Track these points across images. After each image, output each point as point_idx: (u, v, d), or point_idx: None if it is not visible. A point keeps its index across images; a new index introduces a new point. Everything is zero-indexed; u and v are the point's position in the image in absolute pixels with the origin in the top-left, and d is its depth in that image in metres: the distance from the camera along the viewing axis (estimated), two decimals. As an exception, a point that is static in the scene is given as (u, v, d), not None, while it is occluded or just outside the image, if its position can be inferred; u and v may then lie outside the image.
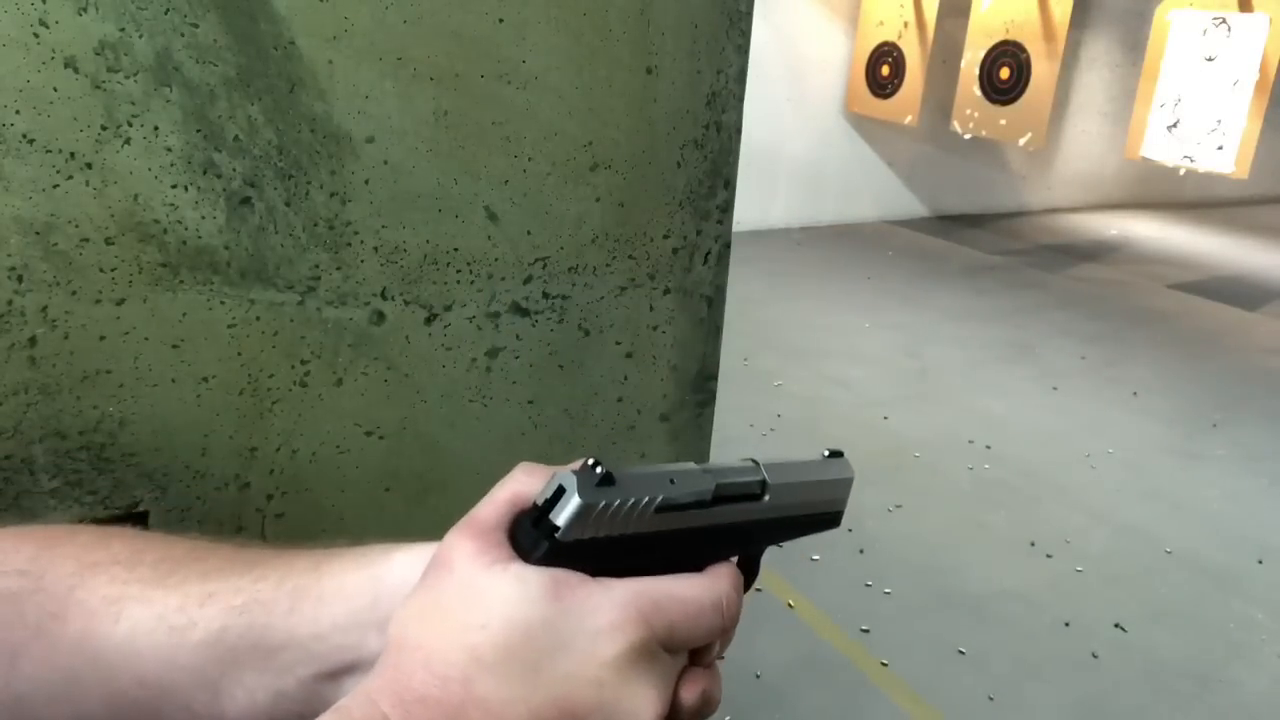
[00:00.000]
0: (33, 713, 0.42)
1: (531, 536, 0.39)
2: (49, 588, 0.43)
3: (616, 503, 0.39)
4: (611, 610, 0.37)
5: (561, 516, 0.38)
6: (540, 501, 0.40)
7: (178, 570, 0.44)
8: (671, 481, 0.41)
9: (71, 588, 0.43)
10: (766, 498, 0.45)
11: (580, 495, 0.38)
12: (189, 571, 0.44)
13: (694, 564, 0.42)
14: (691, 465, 0.43)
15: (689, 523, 0.42)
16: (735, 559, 0.45)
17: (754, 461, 0.45)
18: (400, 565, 0.42)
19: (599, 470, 0.39)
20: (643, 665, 0.37)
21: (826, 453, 0.49)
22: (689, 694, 0.40)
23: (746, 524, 0.44)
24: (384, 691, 0.35)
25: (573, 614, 0.37)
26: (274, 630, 0.42)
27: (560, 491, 0.39)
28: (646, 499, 0.40)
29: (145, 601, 0.43)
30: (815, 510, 0.48)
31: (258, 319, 0.89)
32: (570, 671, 0.36)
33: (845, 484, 0.49)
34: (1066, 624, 2.93)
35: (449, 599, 0.37)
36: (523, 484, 0.42)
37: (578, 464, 0.40)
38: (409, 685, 0.35)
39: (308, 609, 0.42)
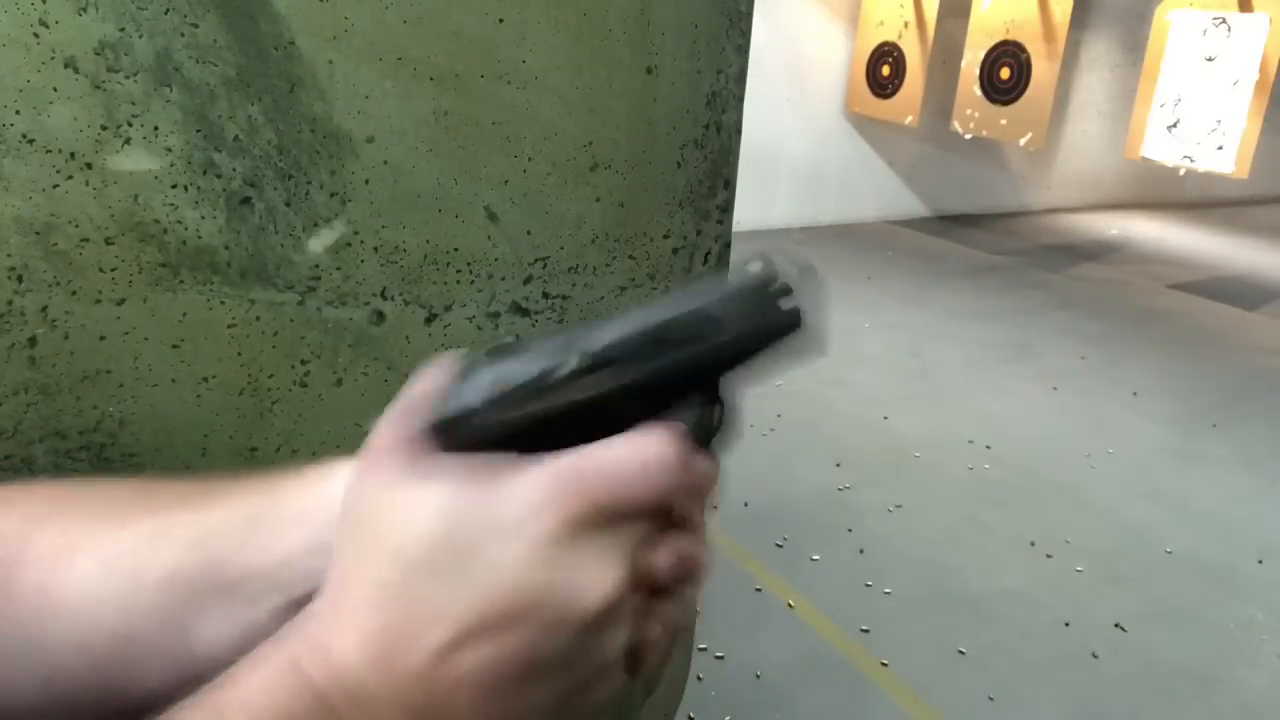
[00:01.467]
0: (3, 674, 0.41)
1: (445, 426, 0.37)
2: None
3: (523, 377, 0.36)
4: (534, 489, 0.35)
5: (472, 397, 0.36)
6: (454, 386, 0.37)
7: (128, 511, 0.43)
8: (579, 340, 0.37)
9: (21, 544, 0.42)
10: (701, 342, 0.38)
11: (490, 372, 0.36)
12: (140, 510, 0.43)
13: (637, 423, 0.38)
14: (599, 322, 0.38)
15: (600, 386, 0.38)
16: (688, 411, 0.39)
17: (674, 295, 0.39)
18: (346, 480, 0.41)
19: (510, 340, 0.36)
20: (582, 539, 0.35)
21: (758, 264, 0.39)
22: (661, 558, 0.38)
23: (672, 370, 0.38)
24: (328, 608, 0.35)
25: (495, 499, 0.35)
26: (231, 563, 0.41)
27: (471, 371, 0.37)
28: (559, 364, 0.36)
29: (95, 548, 0.42)
30: (735, 332, 0.39)
31: (258, 319, 0.89)
32: (504, 559, 0.34)
33: (747, 293, 0.39)
34: (1066, 624, 2.93)
35: (369, 507, 0.36)
36: (440, 373, 0.40)
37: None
38: (351, 596, 0.35)
39: (266, 536, 0.41)
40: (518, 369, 0.37)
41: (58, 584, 0.41)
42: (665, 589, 0.39)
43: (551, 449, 0.37)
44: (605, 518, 0.36)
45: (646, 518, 0.38)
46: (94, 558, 0.42)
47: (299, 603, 0.40)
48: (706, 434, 0.40)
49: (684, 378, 0.40)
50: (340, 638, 0.34)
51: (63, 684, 0.41)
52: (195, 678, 0.40)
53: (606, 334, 0.38)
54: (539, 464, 0.36)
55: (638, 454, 0.37)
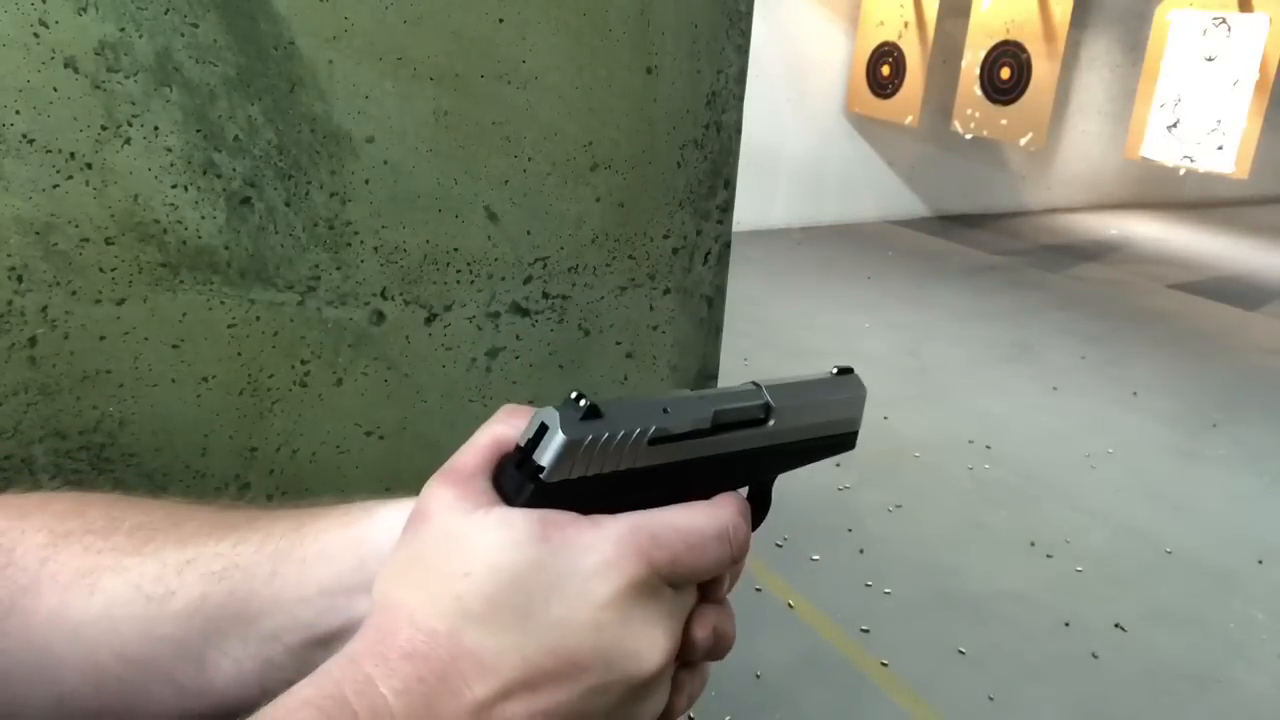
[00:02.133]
0: (14, 692, 0.40)
1: (515, 479, 0.37)
2: (19, 561, 0.41)
3: (605, 436, 0.36)
4: (605, 547, 0.35)
5: (546, 455, 0.36)
6: (523, 442, 0.37)
7: (155, 537, 0.42)
8: (665, 410, 0.38)
9: (44, 560, 0.41)
10: (771, 422, 0.41)
11: (564, 431, 0.36)
12: (166, 538, 0.42)
13: (697, 497, 0.39)
14: (687, 392, 0.40)
15: (687, 454, 0.39)
16: (744, 489, 0.42)
17: (755, 384, 0.41)
18: (385, 523, 0.41)
19: (583, 403, 0.36)
20: (644, 604, 0.35)
21: (835, 370, 0.45)
22: (701, 631, 0.38)
23: (751, 451, 0.41)
24: (366, 652, 0.33)
25: (563, 554, 0.34)
26: (256, 596, 0.40)
27: (543, 429, 0.36)
28: (638, 431, 0.37)
29: (120, 571, 0.41)
30: (826, 433, 0.44)
31: (258, 319, 0.89)
32: (564, 616, 0.34)
33: (857, 401, 0.45)
34: (1066, 624, 2.93)
35: (430, 550, 0.35)
36: (505, 426, 0.39)
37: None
38: (393, 643, 0.33)
39: (290, 573, 0.40)
40: (601, 429, 0.37)
41: (78, 607, 0.41)
42: (693, 661, 0.39)
43: (614, 512, 0.37)
44: (667, 582, 0.36)
45: (695, 587, 0.38)
46: (118, 582, 0.41)
47: (316, 641, 0.39)
48: (754, 518, 0.42)
49: (764, 465, 0.42)
50: (384, 682, 0.33)
51: (73, 706, 0.41)
52: (206, 710, 0.40)
53: (698, 409, 0.39)
54: (610, 521, 0.36)
55: (713, 522, 0.37)
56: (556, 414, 0.36)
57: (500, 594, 0.34)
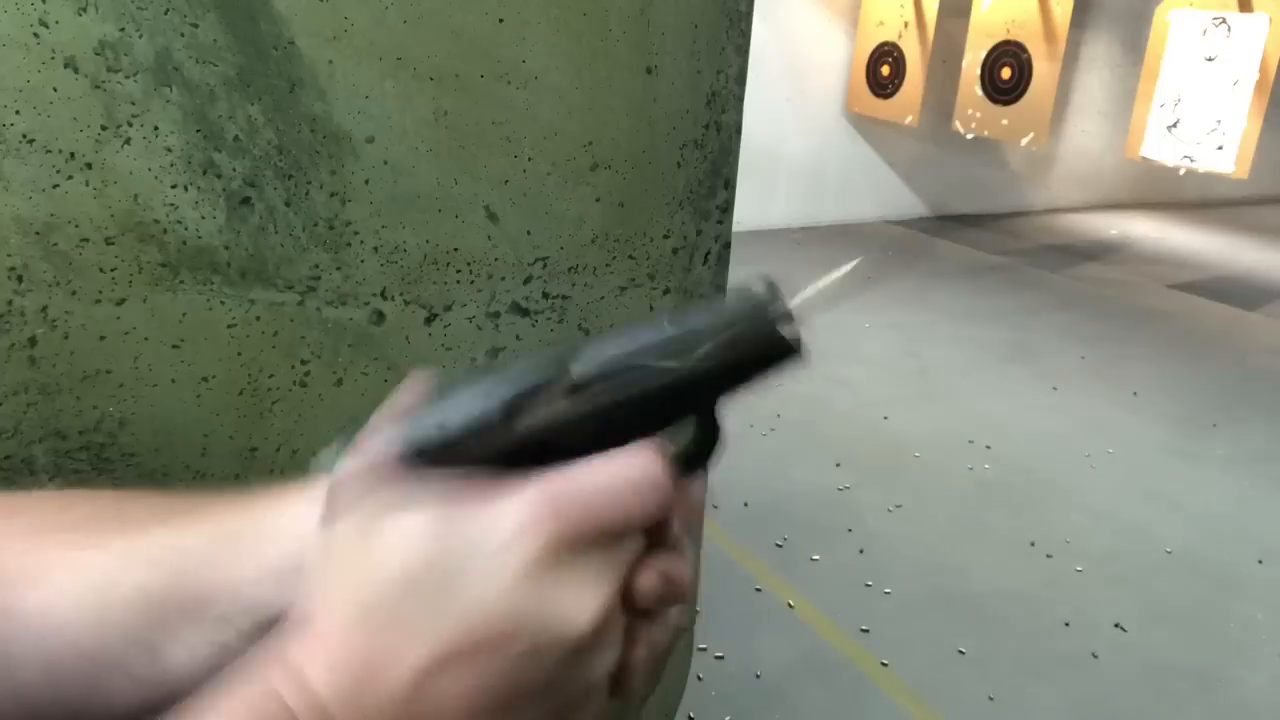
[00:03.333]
0: None
1: (423, 445, 0.37)
2: None
3: (515, 390, 0.36)
4: (510, 518, 0.34)
5: (451, 415, 0.36)
6: (431, 403, 0.37)
7: (100, 527, 0.42)
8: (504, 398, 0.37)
9: None
10: (592, 388, 0.37)
11: (469, 388, 0.36)
12: (112, 527, 0.42)
13: (620, 442, 0.37)
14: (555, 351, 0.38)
15: (550, 419, 0.37)
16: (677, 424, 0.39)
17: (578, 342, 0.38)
18: (320, 501, 0.40)
19: (488, 363, 0.36)
20: (565, 565, 0.34)
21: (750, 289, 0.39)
22: (646, 580, 0.37)
23: (647, 395, 0.38)
24: (293, 642, 0.34)
25: (473, 528, 0.34)
26: (201, 581, 0.40)
27: (449, 388, 0.37)
28: (480, 421, 0.36)
29: (66, 563, 0.41)
30: (732, 353, 0.38)
31: (258, 319, 0.89)
32: (479, 594, 0.34)
33: (760, 308, 0.38)
34: (1066, 624, 2.93)
35: (341, 537, 0.35)
36: (409, 396, 0.39)
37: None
38: (317, 630, 0.34)
39: (231, 556, 0.40)
40: (503, 387, 0.36)
41: (29, 600, 0.40)
42: (649, 611, 0.38)
43: (536, 466, 0.36)
44: (591, 538, 0.35)
45: (632, 538, 0.37)
46: (65, 575, 0.41)
47: (268, 624, 0.39)
48: (699, 455, 0.40)
49: (677, 398, 0.39)
50: (313, 664, 0.33)
51: (31, 701, 0.41)
52: (164, 698, 0.39)
53: (599, 351, 0.37)
54: (523, 483, 0.35)
55: (623, 472, 0.36)
56: (465, 374, 0.36)
57: (421, 563, 0.34)
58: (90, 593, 0.40)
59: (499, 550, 0.34)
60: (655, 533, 0.38)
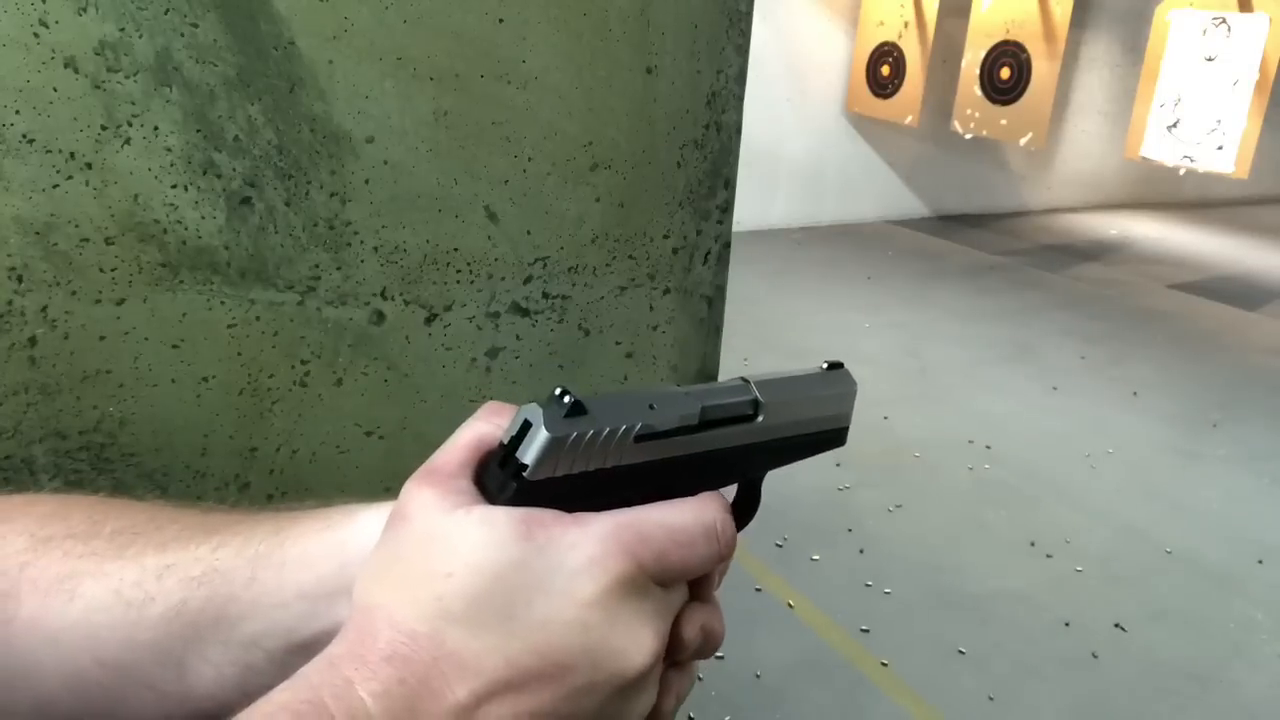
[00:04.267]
0: (1, 703, 0.40)
1: (498, 477, 0.36)
2: None
3: (589, 434, 0.35)
4: (590, 545, 0.34)
5: (529, 453, 0.35)
6: (506, 439, 0.36)
7: (135, 541, 0.42)
8: (651, 407, 0.37)
9: (23, 565, 0.41)
10: (760, 419, 0.40)
11: (548, 429, 0.35)
12: (147, 542, 0.42)
13: (684, 494, 0.38)
14: (673, 387, 0.39)
15: (673, 451, 0.38)
16: (733, 485, 0.42)
17: (744, 380, 0.41)
18: (365, 526, 0.40)
19: (567, 400, 0.35)
20: (631, 602, 0.34)
21: (825, 365, 0.44)
22: (690, 630, 0.37)
23: (740, 448, 0.40)
24: (345, 655, 0.32)
25: (547, 553, 0.34)
26: (235, 601, 0.40)
27: (527, 426, 0.36)
28: (623, 428, 0.36)
29: (100, 576, 0.41)
30: (816, 429, 0.43)
31: (258, 319, 0.89)
32: (549, 615, 0.33)
33: (847, 397, 0.44)
34: (1066, 624, 2.93)
35: (409, 551, 0.34)
36: (487, 424, 0.39)
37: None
38: (373, 645, 0.32)
39: (270, 577, 0.40)
40: (585, 426, 0.36)
41: (57, 612, 0.40)
42: (681, 661, 0.38)
43: (600, 510, 0.36)
44: (654, 580, 0.35)
45: (680, 588, 0.37)
46: (98, 588, 0.41)
47: (297, 646, 0.39)
48: (741, 518, 0.42)
49: (750, 459, 0.41)
50: (363, 686, 0.32)
51: (53, 712, 0.40)
52: (188, 715, 0.39)
53: (685, 404, 0.38)
54: (595, 519, 0.35)
55: (699, 519, 0.37)
56: (540, 411, 0.35)
57: (482, 594, 0.33)
58: (123, 608, 0.40)
59: (575, 575, 0.34)
60: (696, 585, 0.39)
